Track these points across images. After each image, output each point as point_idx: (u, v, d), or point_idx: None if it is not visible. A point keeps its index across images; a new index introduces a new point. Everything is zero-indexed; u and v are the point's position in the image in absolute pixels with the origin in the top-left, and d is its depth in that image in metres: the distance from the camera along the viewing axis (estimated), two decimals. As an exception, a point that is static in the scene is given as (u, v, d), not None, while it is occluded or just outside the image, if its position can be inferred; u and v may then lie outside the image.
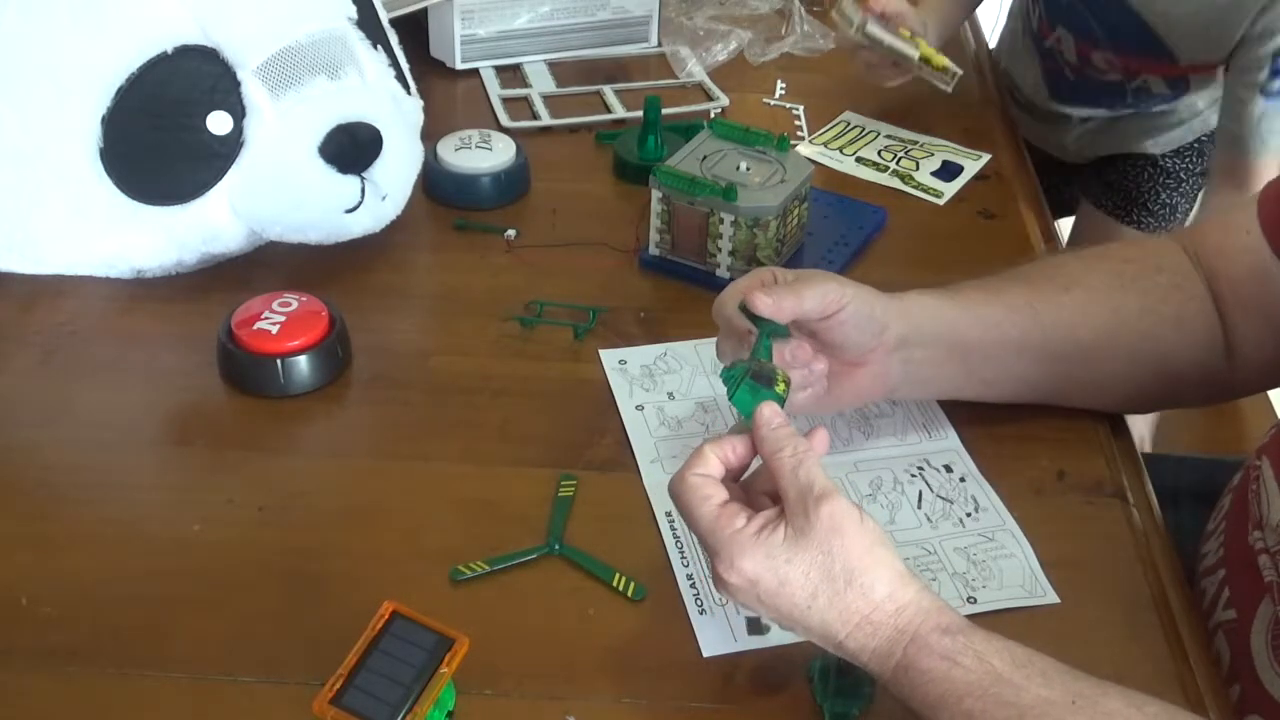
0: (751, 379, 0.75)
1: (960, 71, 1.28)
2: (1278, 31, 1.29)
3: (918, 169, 1.25)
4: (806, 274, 0.82)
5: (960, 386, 0.90)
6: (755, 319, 0.80)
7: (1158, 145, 1.58)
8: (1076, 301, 0.87)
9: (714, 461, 0.72)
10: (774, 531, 0.68)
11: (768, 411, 0.73)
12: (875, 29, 1.27)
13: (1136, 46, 1.42)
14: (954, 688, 0.65)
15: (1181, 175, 1.59)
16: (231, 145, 0.99)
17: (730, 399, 0.76)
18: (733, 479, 0.73)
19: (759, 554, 0.67)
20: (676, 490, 0.71)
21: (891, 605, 0.67)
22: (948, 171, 1.25)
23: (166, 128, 0.97)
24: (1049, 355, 0.87)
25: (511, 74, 1.38)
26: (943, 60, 1.28)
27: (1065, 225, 1.74)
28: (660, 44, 1.43)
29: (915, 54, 1.27)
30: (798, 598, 0.67)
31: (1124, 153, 1.61)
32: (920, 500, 0.87)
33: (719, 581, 0.69)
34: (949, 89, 1.28)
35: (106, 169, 0.98)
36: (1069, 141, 1.64)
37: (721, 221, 1.03)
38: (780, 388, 0.76)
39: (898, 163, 1.26)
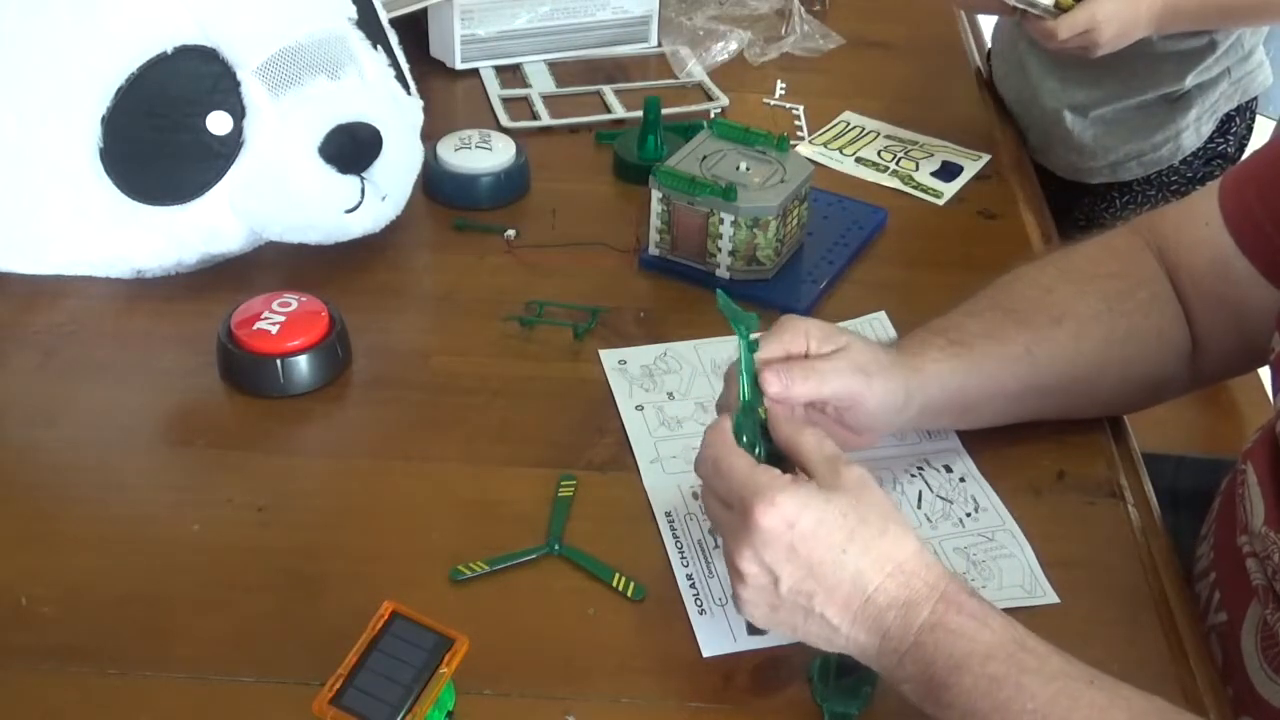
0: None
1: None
2: None
3: (918, 169, 1.25)
4: (838, 344, 0.80)
5: (950, 429, 0.91)
6: (735, 323, 0.76)
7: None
8: (1069, 335, 0.87)
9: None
10: (808, 483, 0.69)
11: (782, 418, 0.75)
12: None
13: None
14: (979, 648, 0.66)
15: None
16: (231, 145, 0.99)
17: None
18: None
19: (800, 492, 0.68)
20: (716, 440, 0.72)
21: (922, 559, 0.69)
22: (948, 172, 1.24)
23: (166, 128, 0.97)
24: (1042, 393, 0.88)
25: (511, 74, 1.38)
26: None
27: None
28: (660, 44, 1.43)
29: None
30: (835, 538, 0.67)
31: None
32: (920, 500, 0.87)
33: (751, 531, 0.68)
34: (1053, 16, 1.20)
35: (106, 169, 0.98)
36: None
37: (721, 222, 1.03)
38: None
39: (898, 163, 1.26)
